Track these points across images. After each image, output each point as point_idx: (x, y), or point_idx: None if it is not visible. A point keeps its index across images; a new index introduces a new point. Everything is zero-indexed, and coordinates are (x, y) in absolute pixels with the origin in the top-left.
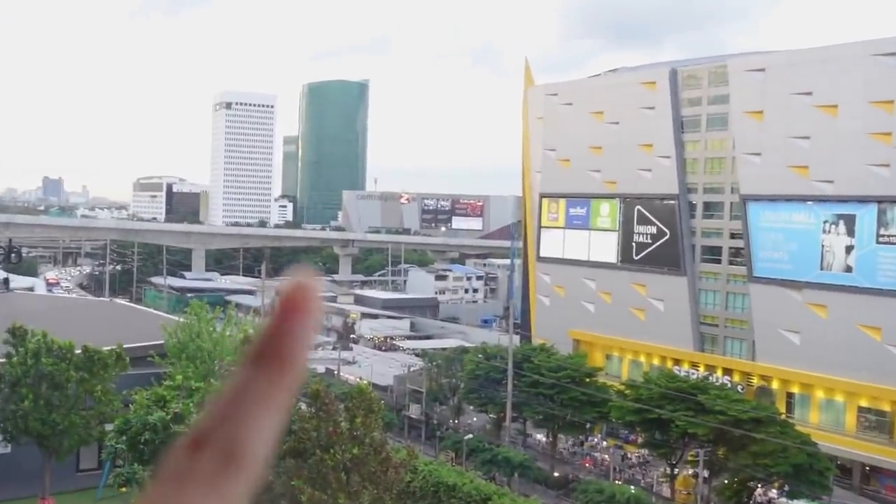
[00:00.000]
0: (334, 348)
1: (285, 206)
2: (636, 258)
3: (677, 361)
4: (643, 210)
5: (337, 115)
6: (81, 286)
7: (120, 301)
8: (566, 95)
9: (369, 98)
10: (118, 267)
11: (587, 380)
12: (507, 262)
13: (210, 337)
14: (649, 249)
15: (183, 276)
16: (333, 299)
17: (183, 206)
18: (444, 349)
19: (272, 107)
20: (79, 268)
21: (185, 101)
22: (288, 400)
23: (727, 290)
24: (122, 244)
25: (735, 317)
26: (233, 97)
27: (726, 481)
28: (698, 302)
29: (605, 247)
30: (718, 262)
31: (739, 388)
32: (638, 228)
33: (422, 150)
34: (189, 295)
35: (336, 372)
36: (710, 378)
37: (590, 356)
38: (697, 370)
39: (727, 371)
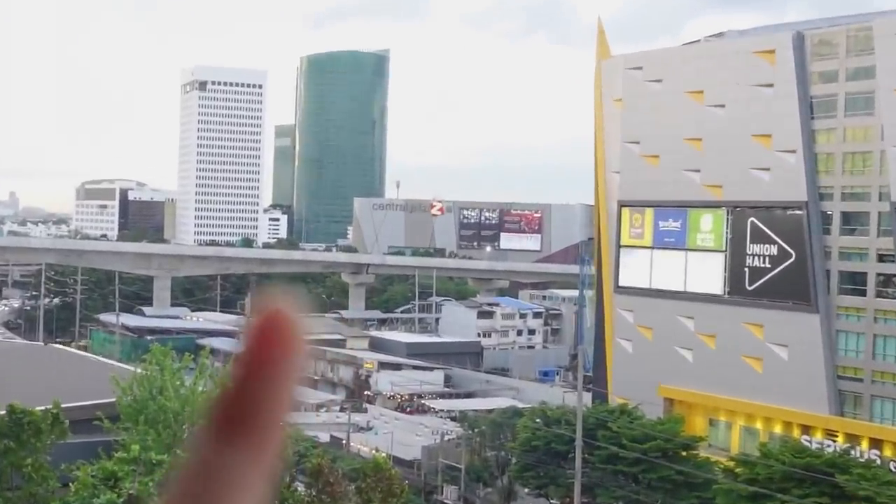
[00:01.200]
0: (342, 409)
1: (277, 220)
2: (750, 288)
3: (807, 429)
4: (759, 223)
5: (346, 97)
6: (7, 325)
7: (58, 346)
8: (653, 69)
9: (389, 74)
10: (56, 300)
11: (684, 453)
12: (575, 293)
13: (177, 394)
14: (768, 276)
15: (142, 313)
16: (342, 344)
17: (142, 219)
18: (489, 411)
19: (260, 87)
20: (4, 301)
21: (147, 83)
22: (268, 483)
23: (875, 331)
24: (61, 270)
25: (887, 368)
26: (208, 74)
27: None
28: (836, 348)
29: (708, 273)
30: (863, 293)
31: (893, 465)
32: (752, 248)
33: (459, 143)
34: (149, 338)
35: (345, 441)
36: (853, 452)
37: (687, 421)
38: (835, 441)
39: (875, 442)
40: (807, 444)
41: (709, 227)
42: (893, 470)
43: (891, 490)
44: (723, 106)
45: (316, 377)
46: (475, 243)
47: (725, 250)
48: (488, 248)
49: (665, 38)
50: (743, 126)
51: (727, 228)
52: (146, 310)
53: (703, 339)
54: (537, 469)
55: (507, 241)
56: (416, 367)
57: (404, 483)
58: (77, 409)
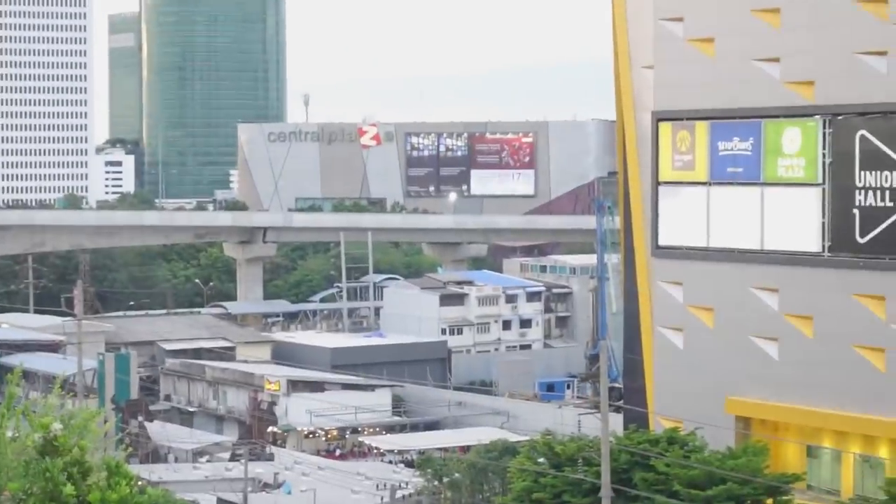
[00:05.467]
0: (235, 457)
1: (119, 164)
2: (863, 241)
3: None
4: (873, 139)
5: None
6: None
7: None
8: None
9: None
10: None
11: (770, 502)
12: (591, 260)
13: None
14: (890, 221)
15: None
16: (229, 354)
17: None
18: (465, 450)
19: None
20: None
21: None
22: None
23: None
24: None
25: None
26: None
27: None
28: None
29: (798, 220)
30: None
31: None
32: (864, 178)
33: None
34: None
35: None
36: None
37: (773, 452)
38: None
39: None
40: None
41: (796, 147)
42: None
43: None
44: None
45: (191, 408)
46: (432, 188)
47: (823, 183)
48: (453, 196)
49: None
50: None
51: (824, 149)
52: None
53: (793, 322)
54: None
55: (482, 182)
56: (347, 387)
57: None
58: None
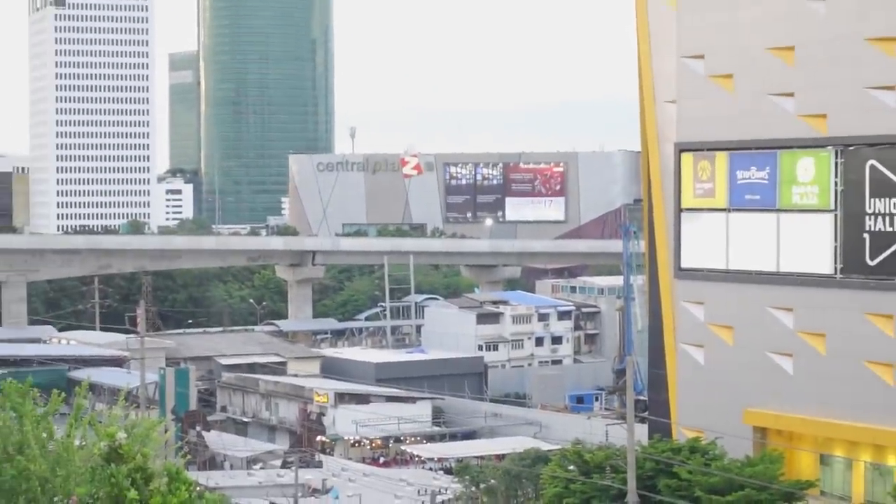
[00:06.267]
0: (286, 464)
1: (179, 193)
2: (873, 263)
3: None
4: (882, 168)
5: (271, 10)
6: None
7: None
8: None
9: None
10: None
11: None
12: (618, 282)
13: (43, 451)
14: None
15: None
16: (281, 369)
17: None
18: (500, 457)
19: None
20: None
21: None
22: None
23: None
24: None
25: None
26: None
27: None
28: None
29: (811, 244)
30: None
31: None
32: (874, 205)
33: (437, 79)
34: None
35: None
36: None
37: (788, 461)
38: None
39: None
40: None
41: (810, 176)
42: None
43: None
44: None
45: (246, 419)
46: (469, 215)
47: (835, 210)
48: (489, 222)
49: None
50: (855, 26)
51: (836, 177)
52: None
53: (807, 339)
54: None
55: (516, 209)
56: (390, 399)
57: None
58: None
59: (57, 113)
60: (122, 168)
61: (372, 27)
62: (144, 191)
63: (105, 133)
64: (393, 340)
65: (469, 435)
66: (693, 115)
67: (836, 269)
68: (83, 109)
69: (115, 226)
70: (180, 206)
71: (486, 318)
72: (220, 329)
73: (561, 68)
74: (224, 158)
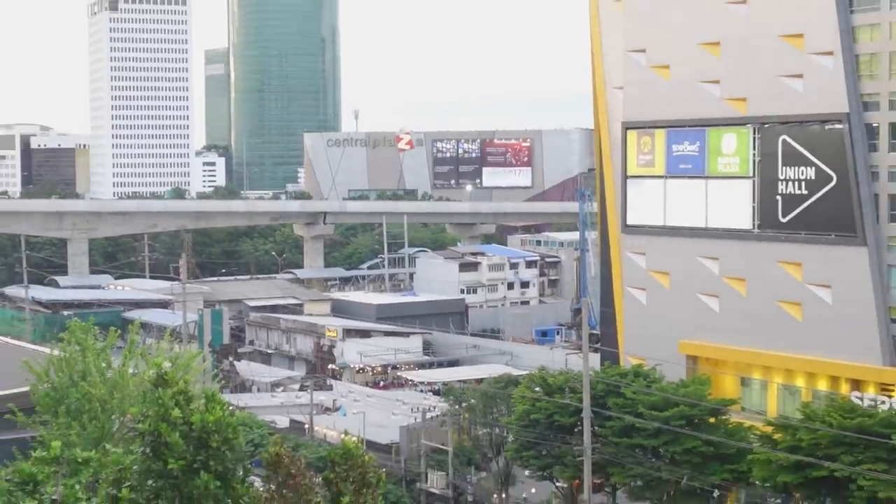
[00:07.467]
0: (303, 388)
1: (213, 164)
2: (784, 220)
3: (857, 384)
4: (792, 142)
5: (288, 13)
6: None
7: None
8: None
9: None
10: None
11: (712, 420)
12: (575, 236)
13: (103, 378)
14: (805, 205)
15: (55, 284)
16: (299, 309)
17: (49, 170)
18: (478, 381)
19: (184, 2)
20: None
21: (48, 6)
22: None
23: None
24: None
25: None
26: None
27: None
28: (888, 286)
29: (734, 204)
30: None
31: None
32: (785, 172)
33: (429, 70)
34: (66, 312)
35: (308, 425)
36: None
37: (715, 382)
38: (890, 397)
39: None
40: (857, 401)
41: (732, 148)
42: None
43: None
44: (744, 1)
45: (269, 350)
46: (453, 182)
47: (753, 176)
48: (469, 187)
49: None
50: (769, 24)
51: (754, 150)
52: (60, 280)
53: (730, 283)
54: (538, 447)
55: (492, 177)
56: (388, 334)
57: (381, 471)
58: None
59: (112, 99)
60: (166, 144)
61: (372, 27)
62: (185, 163)
63: (152, 115)
64: (390, 286)
65: (453, 363)
66: (637, 99)
67: (754, 225)
68: (133, 96)
69: (160, 192)
70: (214, 176)
71: (466, 266)
72: (247, 277)
73: (532, 67)
74: (250, 136)
